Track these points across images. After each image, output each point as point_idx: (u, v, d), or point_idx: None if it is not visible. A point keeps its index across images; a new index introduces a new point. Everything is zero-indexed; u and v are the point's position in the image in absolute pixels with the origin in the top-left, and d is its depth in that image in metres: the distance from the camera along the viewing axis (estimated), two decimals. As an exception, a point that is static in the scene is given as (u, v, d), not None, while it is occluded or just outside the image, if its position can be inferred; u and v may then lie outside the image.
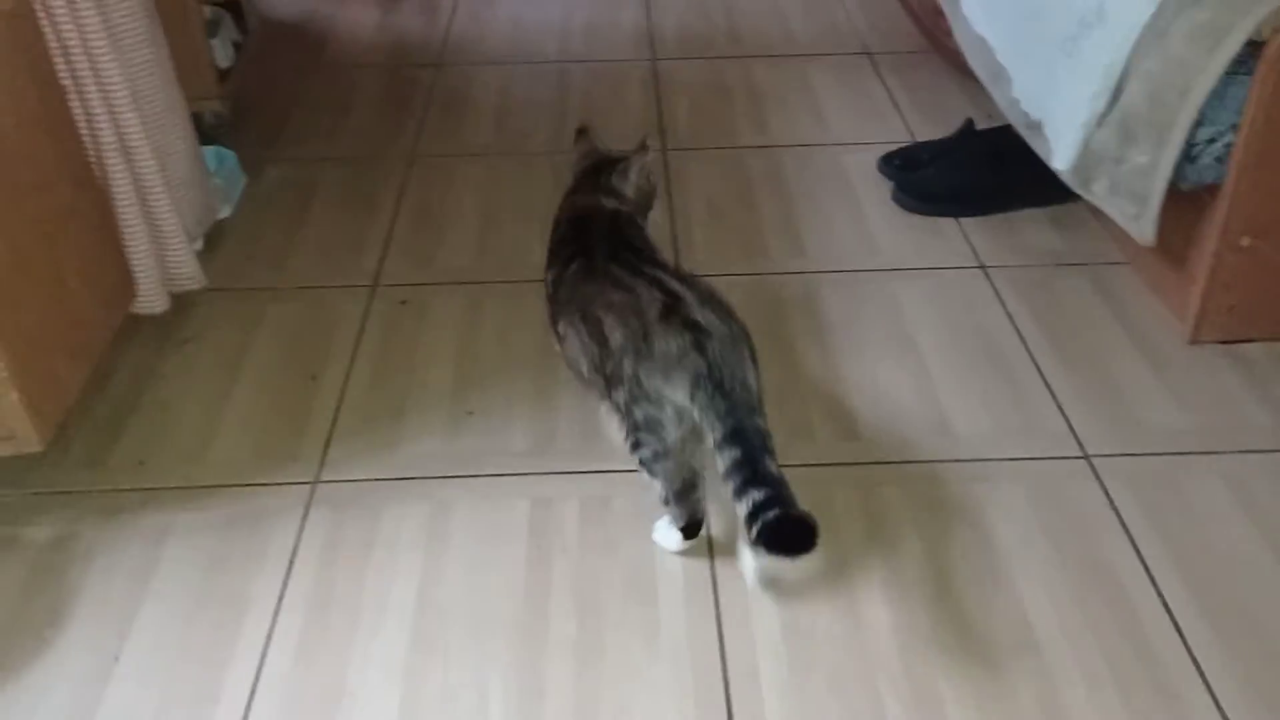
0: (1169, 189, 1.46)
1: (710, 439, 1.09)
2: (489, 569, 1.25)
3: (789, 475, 1.08)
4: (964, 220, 1.84)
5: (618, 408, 1.17)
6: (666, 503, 1.22)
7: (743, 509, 1.05)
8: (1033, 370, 1.52)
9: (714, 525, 1.29)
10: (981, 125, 1.96)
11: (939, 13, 2.16)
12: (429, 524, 1.30)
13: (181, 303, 1.64)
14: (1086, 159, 1.56)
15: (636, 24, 2.58)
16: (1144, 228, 1.50)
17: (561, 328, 1.29)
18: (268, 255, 1.81)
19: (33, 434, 1.22)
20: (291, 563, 1.26)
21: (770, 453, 1.08)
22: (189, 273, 1.63)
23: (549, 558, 1.26)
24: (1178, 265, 1.59)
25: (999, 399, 1.48)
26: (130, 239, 1.51)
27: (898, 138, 2.08)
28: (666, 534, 1.25)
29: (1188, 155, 1.43)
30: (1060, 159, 1.62)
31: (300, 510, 1.33)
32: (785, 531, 1.04)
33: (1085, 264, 1.73)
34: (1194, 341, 1.56)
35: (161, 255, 1.58)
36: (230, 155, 1.95)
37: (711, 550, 1.26)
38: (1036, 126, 1.71)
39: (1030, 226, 1.83)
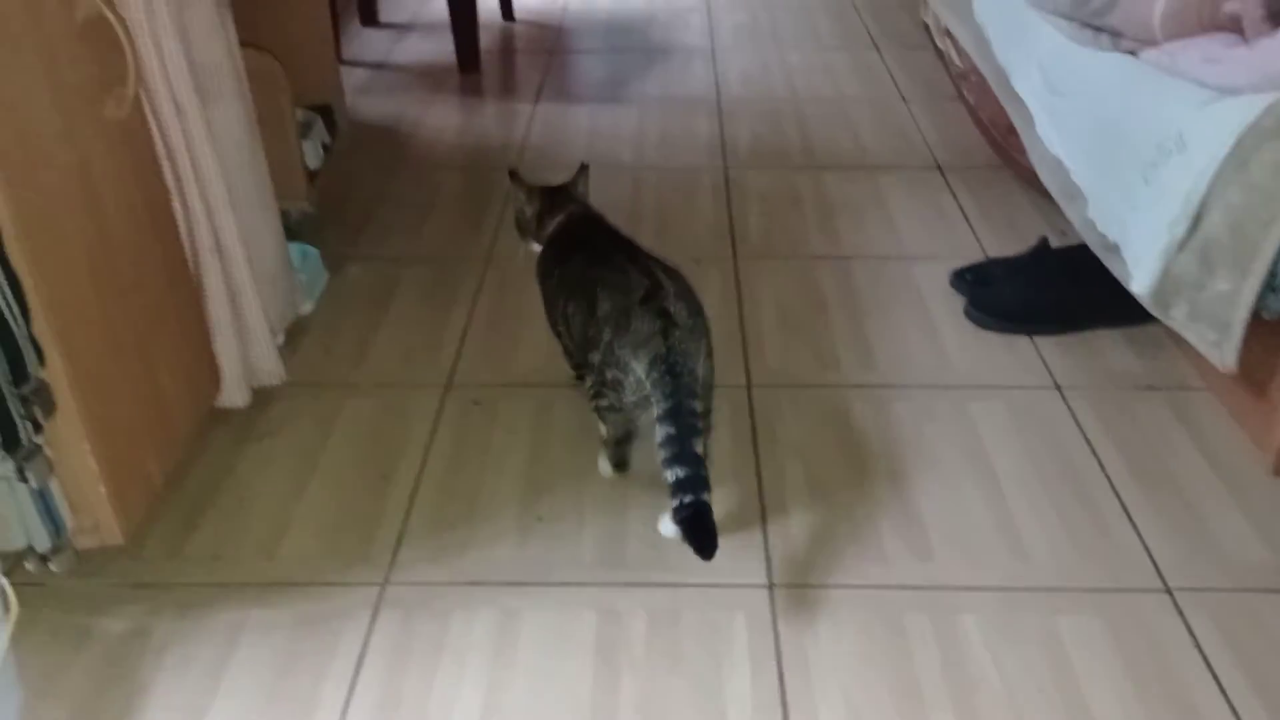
0: (1251, 317, 1.44)
1: (655, 410, 1.31)
2: (555, 680, 1.24)
3: (857, 597, 1.14)
4: (1038, 338, 1.83)
5: (590, 364, 1.44)
6: (606, 445, 1.52)
7: (668, 479, 1.28)
8: (1111, 497, 1.50)
9: (785, 653, 1.27)
10: (1055, 243, 1.96)
11: (1011, 130, 2.18)
12: (497, 631, 1.30)
13: (261, 397, 1.68)
14: (1166, 284, 1.55)
15: (710, 133, 2.63)
16: (1225, 355, 1.48)
17: (571, 309, 1.51)
18: (346, 351, 1.85)
19: (116, 527, 1.25)
20: (360, 665, 1.26)
21: (698, 433, 1.30)
22: (271, 368, 1.67)
23: (616, 671, 1.25)
24: (1260, 394, 1.56)
25: (1077, 525, 1.45)
26: (218, 335, 1.56)
27: (970, 252, 2.09)
28: (603, 464, 1.54)
29: (1270, 285, 1.42)
30: (1139, 283, 1.61)
31: (369, 611, 1.33)
32: (698, 533, 1.27)
33: (1164, 388, 1.71)
34: (1277, 472, 1.52)
35: (245, 350, 1.63)
36: (314, 252, 2.01)
37: (781, 673, 1.24)
38: (1114, 248, 1.70)
39: (1107, 347, 1.81)
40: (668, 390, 1.30)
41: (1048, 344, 1.82)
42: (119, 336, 1.28)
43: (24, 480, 1.14)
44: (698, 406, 1.32)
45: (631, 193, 2.36)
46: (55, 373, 1.16)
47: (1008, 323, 1.85)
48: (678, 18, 3.44)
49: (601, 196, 2.33)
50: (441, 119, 2.74)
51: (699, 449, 1.29)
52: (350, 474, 1.57)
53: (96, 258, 1.24)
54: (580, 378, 1.56)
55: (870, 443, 1.61)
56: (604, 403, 1.44)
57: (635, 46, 3.21)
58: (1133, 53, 1.79)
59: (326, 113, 2.25)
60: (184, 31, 1.43)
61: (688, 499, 1.26)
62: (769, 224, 2.22)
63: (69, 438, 1.19)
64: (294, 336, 1.85)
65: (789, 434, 1.63)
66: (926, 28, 2.86)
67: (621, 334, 1.36)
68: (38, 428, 1.14)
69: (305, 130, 2.11)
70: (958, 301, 1.93)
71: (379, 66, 3.08)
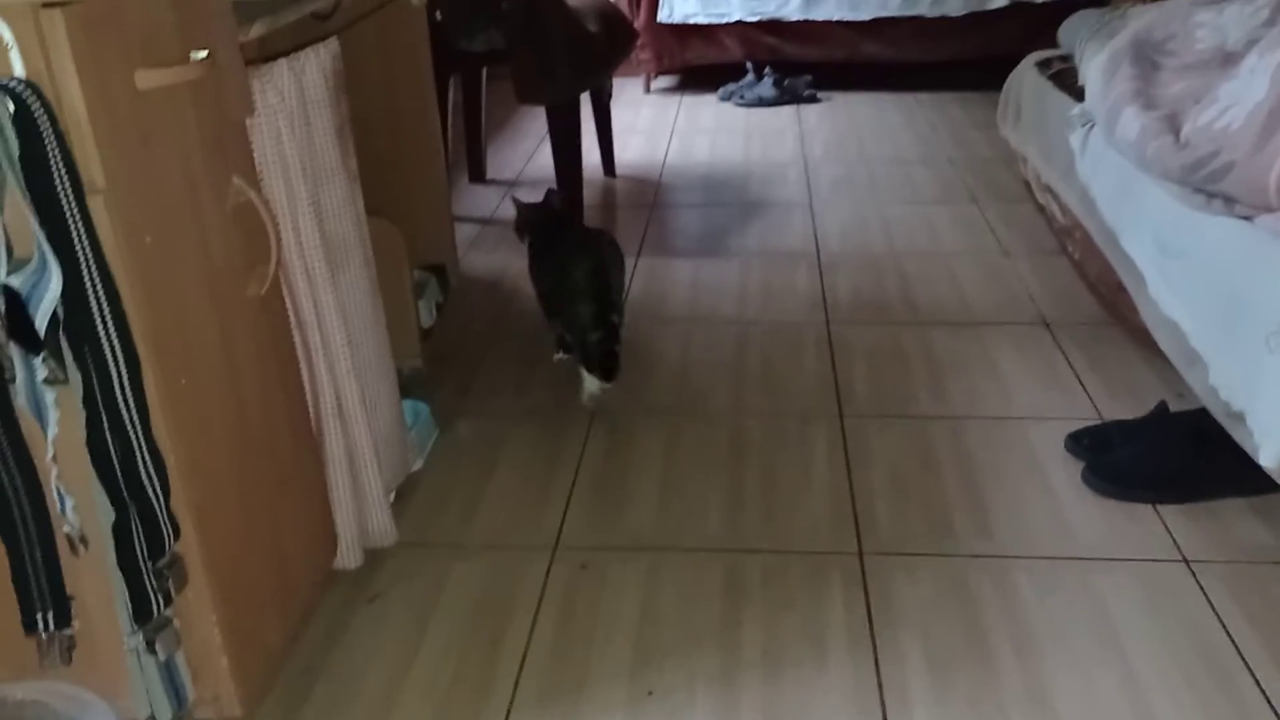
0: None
1: (593, 331, 2.08)
2: None
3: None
4: (1162, 507, 1.77)
5: (559, 311, 2.19)
6: (578, 361, 2.17)
7: (593, 339, 2.08)
8: (1250, 681, 1.42)
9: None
10: (1174, 404, 1.91)
11: (1121, 288, 2.16)
12: (609, 816, 1.27)
13: (373, 557, 1.70)
14: (1299, 457, 1.49)
15: (811, 287, 2.66)
16: (1372, 535, 1.41)
17: (547, 277, 2.25)
18: (455, 511, 1.86)
19: (236, 699, 1.25)
20: None
21: (618, 339, 2.11)
22: (384, 529, 1.69)
23: None
24: None
25: (1215, 712, 1.37)
26: (336, 497, 1.59)
27: (1084, 414, 2.04)
28: (590, 381, 2.13)
29: None
30: (1267, 455, 1.55)
31: (479, 790, 1.31)
32: (610, 364, 2.08)
33: (1300, 563, 1.63)
34: None
35: (361, 512, 1.66)
36: (425, 409, 2.05)
37: None
38: (1238, 417, 1.65)
39: (1235, 517, 1.74)
40: (599, 321, 2.08)
41: (1172, 513, 1.76)
42: (249, 505, 1.31)
43: (152, 653, 1.15)
44: (617, 319, 2.13)
45: (735, 347, 2.38)
46: (188, 545, 1.19)
47: (1129, 490, 1.80)
48: (775, 172, 3.52)
49: (705, 352, 2.36)
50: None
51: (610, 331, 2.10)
52: (460, 639, 1.56)
53: (233, 430, 1.28)
54: (550, 318, 2.29)
55: (991, 617, 1.55)
56: (567, 336, 2.22)
57: (734, 200, 3.28)
58: (1248, 218, 1.77)
59: (440, 272, 2.32)
60: (319, 208, 1.51)
61: (602, 350, 2.08)
62: (875, 381, 2.21)
63: (197, 609, 1.21)
64: (404, 494, 1.88)
65: (905, 607, 1.58)
66: (1026, 184, 2.87)
67: (574, 289, 2.12)
68: (168, 600, 1.16)
69: (420, 290, 2.19)
70: (1075, 466, 1.88)
71: (486, 222, 3.19)
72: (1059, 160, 2.46)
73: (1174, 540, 1.70)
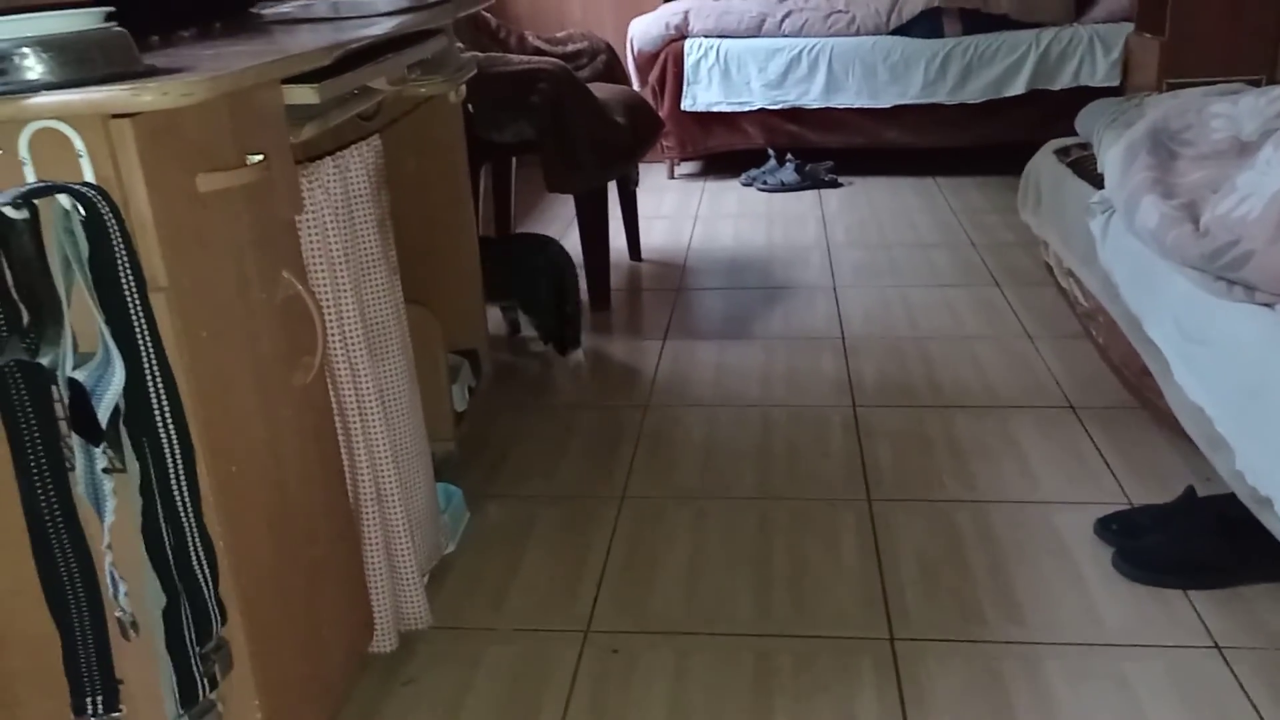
0: None
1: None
2: None
3: None
4: (1193, 593, 1.77)
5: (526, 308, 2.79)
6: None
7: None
8: (1291, 774, 1.41)
9: None
10: (1202, 489, 1.92)
11: (1145, 372, 2.18)
12: None
13: (406, 640, 1.72)
14: (1331, 544, 1.50)
15: (836, 370, 2.69)
16: (1405, 623, 1.41)
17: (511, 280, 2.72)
18: (487, 594, 1.88)
19: (276, 786, 1.27)
20: None
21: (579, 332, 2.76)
22: (418, 612, 1.71)
23: None
24: None
25: (1256, 807, 1.36)
26: (373, 581, 1.61)
27: (1112, 498, 2.05)
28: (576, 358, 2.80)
29: None
30: (1298, 540, 1.56)
31: None
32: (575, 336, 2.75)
33: (1336, 651, 1.63)
34: None
35: (396, 595, 1.68)
36: (457, 492, 2.08)
37: None
38: (1266, 503, 1.66)
39: (1268, 604, 1.74)
40: (555, 310, 2.70)
41: (1204, 599, 1.76)
42: (290, 590, 1.34)
43: (196, 736, 1.17)
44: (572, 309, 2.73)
45: (761, 430, 2.40)
46: (233, 630, 1.21)
47: (1160, 576, 1.80)
48: (797, 256, 3.58)
49: (731, 435, 2.39)
50: (573, 355, 2.86)
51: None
52: (492, 725, 1.57)
53: (276, 516, 1.32)
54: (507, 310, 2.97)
55: (1023, 706, 1.55)
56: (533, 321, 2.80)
57: (757, 284, 3.34)
58: (1269, 305, 1.79)
59: (472, 356, 2.37)
60: (360, 298, 1.56)
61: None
62: (901, 465, 2.23)
63: (240, 694, 1.24)
64: (437, 577, 1.90)
65: (937, 695, 1.58)
66: (1048, 267, 2.91)
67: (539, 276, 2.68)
68: (214, 684, 1.18)
69: (454, 375, 2.23)
70: (1104, 551, 1.89)
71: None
72: (1080, 245, 2.50)
73: (1205, 626, 1.70)
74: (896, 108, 4.30)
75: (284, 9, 1.98)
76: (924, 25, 4.26)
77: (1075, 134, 2.89)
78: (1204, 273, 1.93)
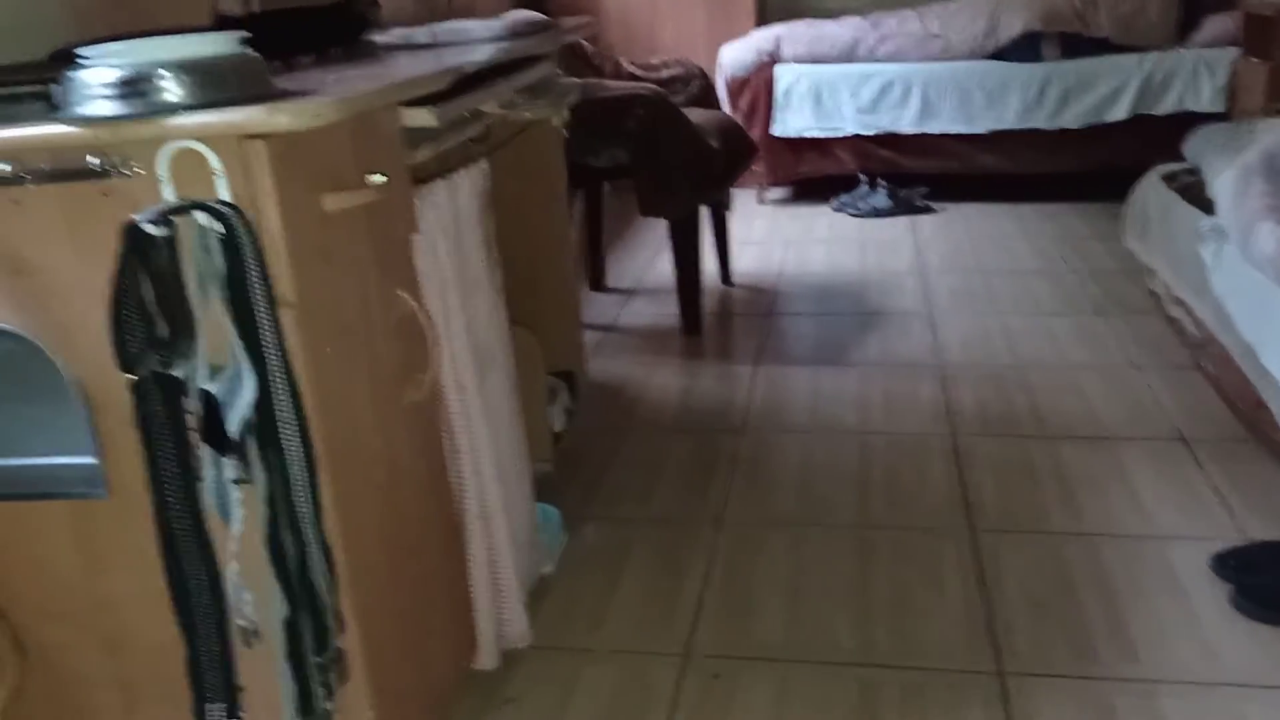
0: None
1: None
2: None
3: None
4: (1319, 634, 1.70)
5: None
6: None
7: None
8: None
9: None
10: (1326, 527, 1.84)
11: (1261, 405, 2.10)
12: None
13: (506, 659, 1.72)
14: None
15: (934, 398, 2.65)
16: None
17: None
18: (584, 615, 1.88)
19: (385, 798, 1.28)
20: None
21: None
22: (519, 631, 1.71)
23: None
24: None
25: None
26: (477, 599, 1.62)
27: (1226, 534, 1.98)
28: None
29: None
30: None
31: None
32: None
33: None
34: None
35: (498, 613, 1.69)
36: (554, 513, 2.09)
37: None
38: (1401, 540, 1.59)
39: (1400, 647, 1.66)
40: None
41: (1331, 641, 1.68)
42: (402, 604, 1.36)
43: (311, 746, 1.19)
44: None
45: (859, 458, 2.37)
46: (349, 640, 1.23)
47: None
48: (891, 281, 3.54)
49: (828, 462, 2.36)
50: (666, 380, 2.86)
51: None
52: (593, 747, 1.57)
53: (389, 531, 1.34)
54: None
55: (1140, 745, 1.50)
56: None
57: (851, 310, 3.31)
58: (1402, 334, 1.72)
59: (570, 378, 2.39)
60: (468, 317, 1.58)
61: None
62: (1005, 496, 2.18)
63: (354, 705, 1.25)
64: (535, 598, 1.90)
65: (1048, 730, 1.54)
66: (1154, 295, 2.84)
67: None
68: (331, 694, 1.20)
69: (552, 396, 2.25)
70: (1221, 588, 1.82)
71: (607, 329, 3.27)
72: (1190, 274, 2.44)
73: (1334, 670, 1.62)
74: (993, 133, 4.24)
75: (388, 37, 2.03)
76: (1022, 50, 4.20)
77: (1179, 159, 2.82)
78: (1329, 301, 1.87)
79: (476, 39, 1.96)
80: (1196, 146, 2.74)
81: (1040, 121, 4.17)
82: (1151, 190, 2.79)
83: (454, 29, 2.01)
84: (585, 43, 3.71)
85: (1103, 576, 1.89)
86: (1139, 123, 4.11)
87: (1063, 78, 4.14)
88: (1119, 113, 4.11)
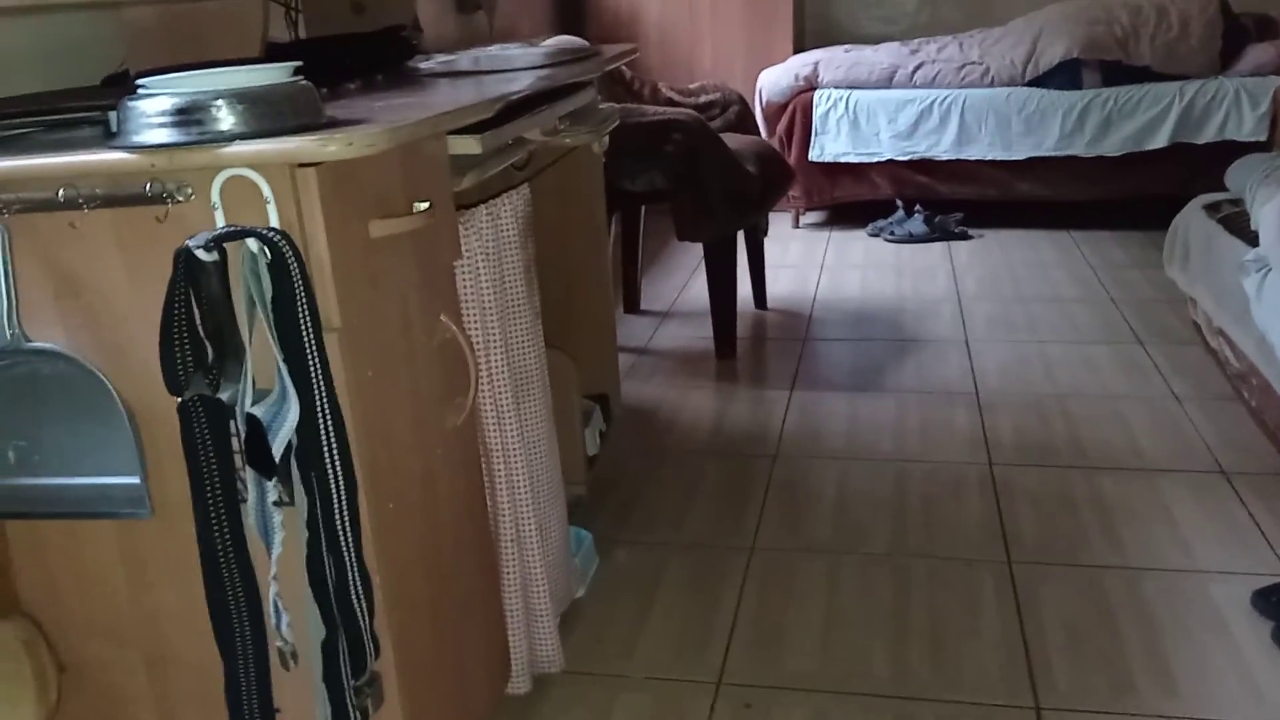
0: None
1: None
2: None
3: None
4: (1365, 675, 1.66)
5: None
6: None
7: None
8: None
9: None
10: (1373, 566, 1.81)
11: (1306, 438, 2.08)
12: None
13: (539, 684, 1.72)
14: None
15: (971, 426, 2.63)
16: None
17: None
18: (617, 640, 1.88)
19: (419, 821, 1.28)
20: None
21: None
22: (552, 655, 1.72)
23: None
24: None
25: None
26: (511, 622, 1.63)
27: (1270, 569, 1.95)
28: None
29: None
30: None
31: None
32: None
33: None
34: None
35: (531, 637, 1.69)
36: (587, 536, 2.09)
37: None
38: None
39: None
40: None
41: (1378, 682, 1.65)
42: (439, 627, 1.36)
43: (347, 768, 1.20)
44: None
45: (895, 485, 2.36)
46: (385, 664, 1.24)
47: (1327, 655, 1.70)
48: (928, 308, 3.52)
49: (863, 489, 2.35)
50: (700, 404, 2.86)
51: None
52: (625, 773, 1.57)
53: (427, 554, 1.35)
54: None
55: (1181, 785, 1.48)
56: None
57: (886, 336, 3.29)
58: None
59: (604, 401, 2.39)
60: (507, 342, 1.59)
61: None
62: (1043, 526, 2.16)
63: (389, 728, 1.26)
64: (568, 622, 1.91)
65: (1086, 767, 1.52)
66: (1196, 325, 2.81)
67: None
68: (365, 717, 1.21)
69: (586, 419, 2.25)
70: (1263, 624, 1.79)
71: (641, 352, 3.28)
72: (1232, 304, 2.41)
73: (1381, 712, 1.59)
74: (1031, 160, 4.22)
75: (431, 63, 2.05)
76: (1061, 77, 4.18)
77: (1219, 188, 2.80)
78: (1376, 335, 1.84)
79: (519, 66, 1.98)
80: (1239, 176, 2.71)
81: (1079, 149, 4.15)
82: (1193, 220, 2.77)
83: (496, 55, 2.03)
84: (624, 68, 3.74)
85: (1142, 610, 1.86)
86: (1179, 151, 4.08)
87: (1103, 105, 4.12)
88: (1159, 141, 4.08)
